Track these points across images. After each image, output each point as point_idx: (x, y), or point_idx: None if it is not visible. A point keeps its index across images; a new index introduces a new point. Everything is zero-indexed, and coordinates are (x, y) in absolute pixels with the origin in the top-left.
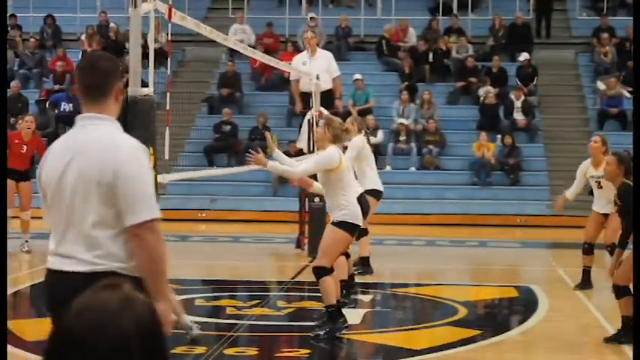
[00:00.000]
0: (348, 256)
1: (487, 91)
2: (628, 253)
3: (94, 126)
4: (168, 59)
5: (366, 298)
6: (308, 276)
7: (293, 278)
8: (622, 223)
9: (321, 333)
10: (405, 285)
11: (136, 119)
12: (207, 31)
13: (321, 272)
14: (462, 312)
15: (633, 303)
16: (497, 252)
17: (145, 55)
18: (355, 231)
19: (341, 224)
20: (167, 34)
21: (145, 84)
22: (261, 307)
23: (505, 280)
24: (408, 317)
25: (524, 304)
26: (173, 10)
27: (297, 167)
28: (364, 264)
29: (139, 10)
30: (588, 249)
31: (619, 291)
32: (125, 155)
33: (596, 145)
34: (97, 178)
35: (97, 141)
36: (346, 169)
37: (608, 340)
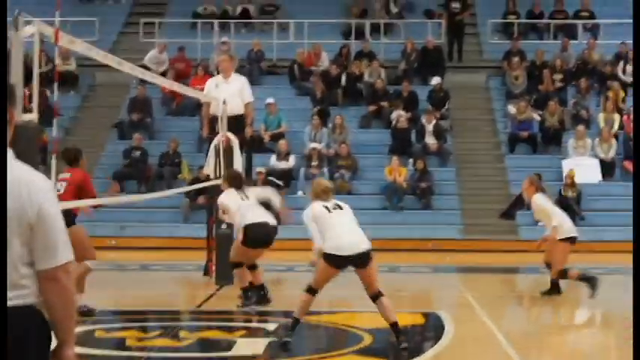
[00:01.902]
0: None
1: (399, 115)
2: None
3: None
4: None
5: (269, 326)
6: (214, 304)
7: (199, 306)
8: None
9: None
10: (309, 313)
11: (18, 147)
12: (99, 55)
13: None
14: (367, 340)
15: (633, 303)
16: (408, 277)
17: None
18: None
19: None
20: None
21: (28, 110)
22: (163, 337)
23: (413, 306)
24: (311, 346)
25: (430, 331)
26: (60, 33)
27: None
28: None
29: (20, 33)
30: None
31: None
32: (42, 194)
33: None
34: (15, 217)
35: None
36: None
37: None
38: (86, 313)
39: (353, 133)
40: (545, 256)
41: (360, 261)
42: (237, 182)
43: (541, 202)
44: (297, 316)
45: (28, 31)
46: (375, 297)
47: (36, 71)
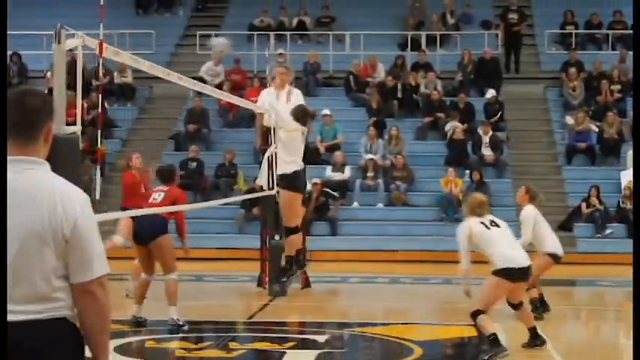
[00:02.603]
0: None
1: (454, 127)
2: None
3: (32, 171)
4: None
5: (320, 338)
6: (266, 315)
7: (250, 318)
8: None
9: (485, 358)
10: (360, 324)
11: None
12: (146, 66)
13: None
14: (417, 352)
15: (633, 304)
16: (461, 289)
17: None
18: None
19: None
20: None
21: (72, 123)
22: (213, 348)
23: (466, 319)
24: (363, 358)
25: (479, 344)
26: (105, 45)
27: None
28: None
29: (62, 46)
30: None
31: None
32: (79, 208)
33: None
34: (49, 230)
35: (43, 189)
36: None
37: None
38: (139, 324)
39: (409, 144)
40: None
41: (526, 275)
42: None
43: (530, 214)
44: (492, 332)
45: (70, 44)
46: (519, 305)
47: (79, 83)
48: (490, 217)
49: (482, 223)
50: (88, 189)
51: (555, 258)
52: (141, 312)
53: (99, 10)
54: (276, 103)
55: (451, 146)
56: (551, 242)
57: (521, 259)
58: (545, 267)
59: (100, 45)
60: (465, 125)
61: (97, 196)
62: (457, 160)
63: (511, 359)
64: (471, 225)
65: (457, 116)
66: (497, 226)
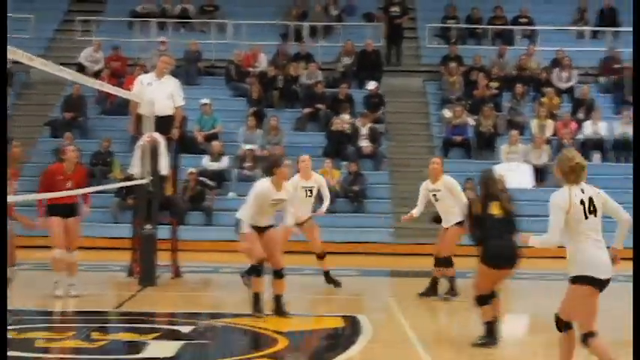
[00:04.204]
0: None
1: (343, 119)
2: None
3: None
4: None
5: (186, 328)
6: (134, 305)
7: (117, 308)
8: None
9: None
10: (230, 316)
11: None
12: (10, 51)
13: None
14: (282, 343)
15: (633, 303)
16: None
17: None
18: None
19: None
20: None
21: None
22: (75, 339)
23: (337, 310)
24: (225, 350)
25: (347, 335)
26: None
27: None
28: None
29: None
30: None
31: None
32: None
33: (437, 166)
34: None
35: None
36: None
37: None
38: None
39: (288, 135)
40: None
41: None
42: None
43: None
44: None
45: None
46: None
47: None
48: (589, 188)
49: (581, 201)
50: None
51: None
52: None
53: None
54: (153, 91)
55: (330, 137)
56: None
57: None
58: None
59: None
60: (349, 117)
61: None
62: (335, 151)
63: (374, 354)
64: (571, 195)
65: (348, 109)
66: (594, 211)
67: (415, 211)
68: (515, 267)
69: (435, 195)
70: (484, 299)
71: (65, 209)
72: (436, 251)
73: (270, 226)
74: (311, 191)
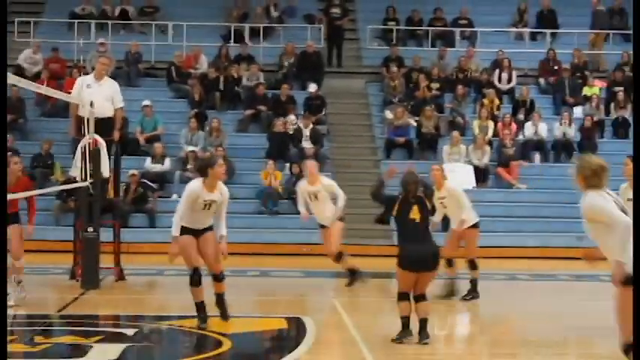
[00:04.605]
0: None
1: (291, 120)
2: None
3: None
4: None
5: (130, 331)
6: (77, 308)
7: (60, 311)
8: None
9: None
10: (174, 318)
11: None
12: None
13: None
14: (227, 345)
15: (633, 302)
16: (280, 282)
17: None
18: None
19: None
20: None
21: None
22: (17, 342)
23: (281, 311)
24: (169, 352)
25: (292, 336)
26: None
27: None
28: None
29: None
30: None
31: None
32: None
33: (438, 172)
34: None
35: None
36: None
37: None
38: None
39: (230, 136)
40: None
41: None
42: None
43: None
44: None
45: None
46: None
47: None
48: (611, 193)
49: (615, 202)
50: None
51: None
52: None
53: None
54: (92, 93)
55: (272, 139)
56: None
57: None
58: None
59: None
60: (293, 118)
61: None
62: (278, 153)
63: (319, 355)
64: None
65: (294, 110)
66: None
67: (436, 220)
68: (432, 270)
69: (442, 202)
70: (401, 296)
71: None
72: (466, 254)
73: (207, 229)
74: (316, 196)
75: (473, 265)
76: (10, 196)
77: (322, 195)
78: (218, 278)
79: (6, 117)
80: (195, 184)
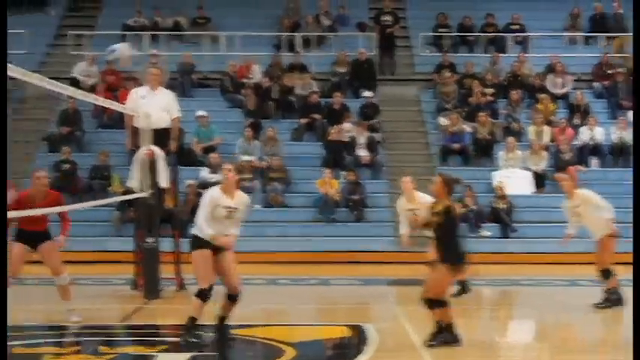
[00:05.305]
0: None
1: (341, 128)
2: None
3: None
4: None
5: (192, 341)
6: (140, 318)
7: (123, 321)
8: (438, 241)
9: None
10: (236, 327)
11: None
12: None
13: None
14: (289, 354)
15: (633, 305)
16: (339, 290)
17: None
18: None
19: None
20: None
21: None
22: (83, 353)
23: (342, 319)
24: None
25: (354, 344)
26: None
27: None
28: None
29: None
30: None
31: (433, 304)
32: None
33: (568, 182)
34: None
35: None
36: None
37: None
38: None
39: (285, 145)
40: None
41: None
42: None
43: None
44: None
45: None
46: None
47: None
48: None
49: None
50: None
51: None
52: None
53: None
54: (148, 104)
55: (328, 147)
56: None
57: None
58: None
59: None
60: (348, 126)
61: None
62: (333, 161)
63: None
64: None
65: (349, 117)
66: None
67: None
68: None
69: (575, 209)
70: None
71: (31, 236)
72: None
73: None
74: (416, 215)
75: None
76: (42, 211)
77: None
78: (233, 298)
79: (6, 117)
80: (214, 189)
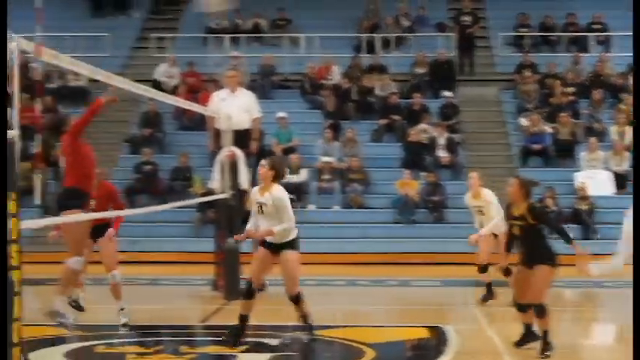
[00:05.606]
0: None
1: (422, 129)
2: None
3: None
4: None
5: (273, 341)
6: (220, 319)
7: (204, 321)
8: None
9: None
10: (316, 328)
11: None
12: (86, 70)
13: None
14: (369, 355)
15: (633, 305)
16: (419, 291)
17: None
18: None
19: None
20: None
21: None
22: (164, 353)
23: (422, 320)
24: None
25: (434, 346)
26: (43, 48)
27: None
28: None
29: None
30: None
31: (523, 308)
32: None
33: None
34: None
35: None
36: None
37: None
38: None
39: (364, 146)
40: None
41: None
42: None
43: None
44: None
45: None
46: None
47: (16, 88)
48: None
49: None
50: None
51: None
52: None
53: (43, 13)
54: (228, 106)
55: (407, 148)
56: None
57: None
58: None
59: (38, 48)
60: (428, 127)
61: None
62: (413, 162)
63: None
64: None
65: (427, 118)
66: None
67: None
68: None
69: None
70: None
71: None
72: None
73: (286, 246)
74: (482, 211)
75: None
76: (103, 214)
77: (487, 210)
78: (293, 300)
79: (6, 116)
80: (256, 186)
